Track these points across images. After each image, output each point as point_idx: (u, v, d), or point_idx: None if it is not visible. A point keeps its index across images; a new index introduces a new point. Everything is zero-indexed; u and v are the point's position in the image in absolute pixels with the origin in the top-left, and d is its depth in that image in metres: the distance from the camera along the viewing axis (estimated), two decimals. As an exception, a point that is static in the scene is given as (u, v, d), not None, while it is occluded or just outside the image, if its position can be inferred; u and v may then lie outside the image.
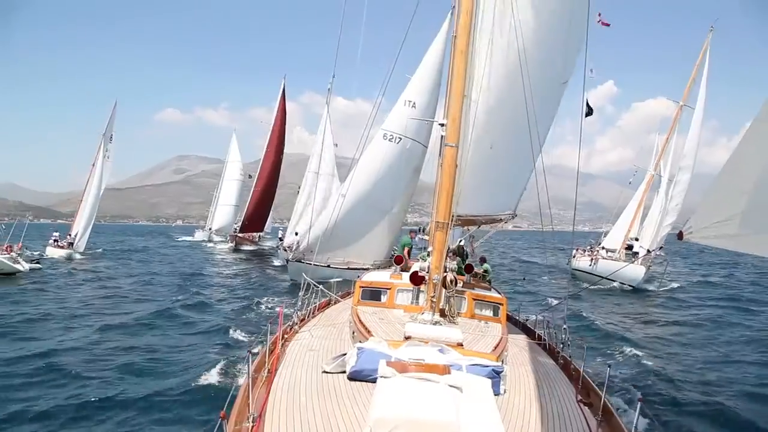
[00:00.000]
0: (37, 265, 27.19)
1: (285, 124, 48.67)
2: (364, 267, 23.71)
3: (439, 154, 7.93)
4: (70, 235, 36.41)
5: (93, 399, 9.00)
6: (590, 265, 28.87)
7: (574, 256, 32.49)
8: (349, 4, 11.79)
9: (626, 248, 30.15)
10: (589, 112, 10.99)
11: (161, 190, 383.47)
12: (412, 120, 22.67)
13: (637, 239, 30.05)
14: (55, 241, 35.67)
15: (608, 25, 11.49)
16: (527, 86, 8.40)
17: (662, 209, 27.05)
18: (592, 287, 24.42)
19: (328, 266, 24.23)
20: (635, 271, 24.93)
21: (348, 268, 24.07)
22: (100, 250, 41.14)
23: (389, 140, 23.28)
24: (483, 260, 11.67)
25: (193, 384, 9.62)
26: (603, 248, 32.02)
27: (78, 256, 35.30)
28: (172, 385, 9.67)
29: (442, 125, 7.70)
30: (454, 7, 26.35)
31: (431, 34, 22.52)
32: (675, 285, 27.93)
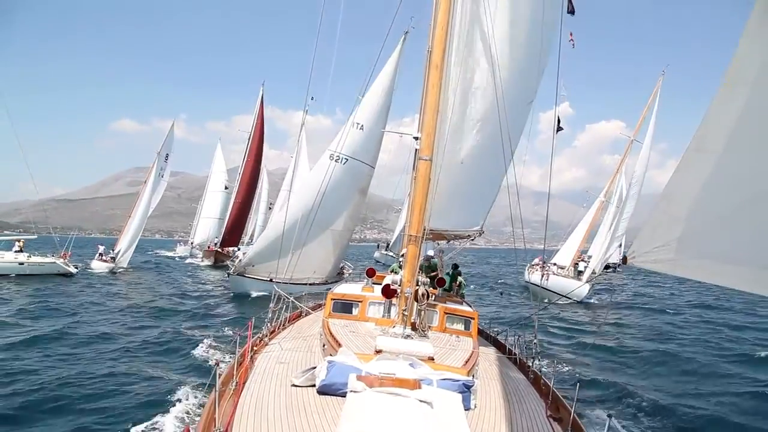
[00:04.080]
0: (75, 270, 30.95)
1: (263, 133, 47.54)
2: (307, 282, 23.72)
3: (413, 168, 7.97)
4: (113, 249, 36.24)
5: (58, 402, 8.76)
6: (541, 281, 31.05)
7: (528, 271, 35.06)
8: (321, 22, 11.74)
9: (574, 266, 32.87)
10: (560, 128, 11.34)
11: (115, 201, 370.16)
12: (360, 141, 23.62)
13: (586, 260, 32.55)
14: (100, 254, 35.52)
15: (573, 44, 11.90)
16: (501, 105, 8.56)
17: (608, 234, 29.30)
18: (545, 302, 25.83)
19: (270, 280, 23.88)
20: (580, 289, 27.50)
21: (292, 283, 24.24)
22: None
23: (336, 161, 23.89)
24: (455, 267, 11.68)
25: (156, 396, 9.26)
26: (554, 264, 34.11)
27: (121, 270, 34.76)
28: (134, 397, 9.30)
29: (417, 139, 7.76)
30: (407, 32, 27.62)
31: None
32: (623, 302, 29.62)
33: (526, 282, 34.43)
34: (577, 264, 32.69)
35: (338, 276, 28.61)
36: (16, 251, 28.30)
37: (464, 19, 8.98)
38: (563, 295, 26.33)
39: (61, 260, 29.35)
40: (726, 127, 3.75)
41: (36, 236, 31.28)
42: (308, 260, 24.30)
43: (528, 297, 30.62)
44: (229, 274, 25.55)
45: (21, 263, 27.67)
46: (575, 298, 26.95)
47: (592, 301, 28.16)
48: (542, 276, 31.06)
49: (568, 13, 9.16)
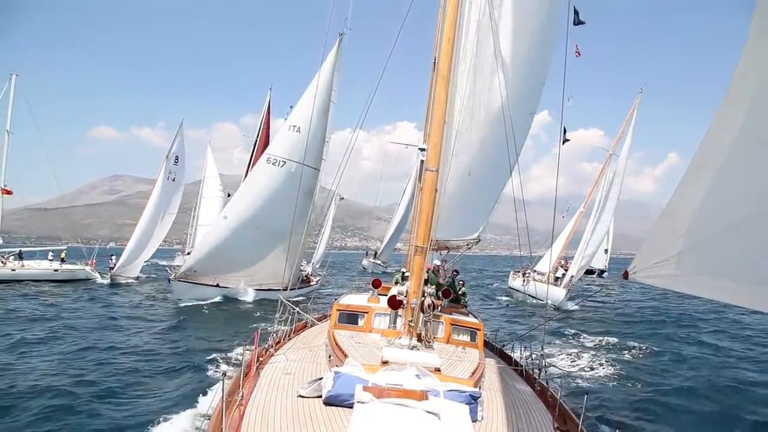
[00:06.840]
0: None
1: (270, 138, 47.16)
2: (262, 288, 24.24)
3: (419, 179, 8.01)
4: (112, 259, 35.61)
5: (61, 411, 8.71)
6: (522, 285, 32.79)
7: (512, 277, 37.77)
8: (319, 32, 11.83)
9: (554, 272, 33.86)
10: (567, 140, 11.37)
11: (92, 210, 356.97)
12: (297, 144, 24.15)
13: (565, 266, 33.83)
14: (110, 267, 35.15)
15: (579, 54, 11.92)
16: (507, 116, 8.60)
17: (585, 243, 30.51)
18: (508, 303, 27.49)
19: (217, 285, 24.11)
20: (557, 293, 28.60)
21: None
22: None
23: (273, 164, 24.24)
24: (456, 273, 11.73)
25: (164, 406, 9.19)
26: (534, 271, 35.38)
27: (126, 280, 33.31)
28: (143, 407, 9.24)
29: (423, 150, 7.81)
30: (342, 33, 28.53)
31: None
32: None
33: (509, 287, 37.35)
34: (556, 270, 34.10)
35: (303, 283, 28.35)
36: (50, 259, 33.47)
37: (470, 31, 9.05)
38: (538, 299, 26.96)
39: (89, 267, 33.99)
40: (727, 144, 3.80)
41: (66, 246, 35.70)
42: (256, 265, 24.75)
43: (509, 300, 32.41)
44: (169, 281, 24.35)
45: (55, 270, 32.68)
46: (552, 303, 27.76)
47: (573, 307, 28.70)
48: (523, 282, 32.99)
49: (574, 24, 9.22)
